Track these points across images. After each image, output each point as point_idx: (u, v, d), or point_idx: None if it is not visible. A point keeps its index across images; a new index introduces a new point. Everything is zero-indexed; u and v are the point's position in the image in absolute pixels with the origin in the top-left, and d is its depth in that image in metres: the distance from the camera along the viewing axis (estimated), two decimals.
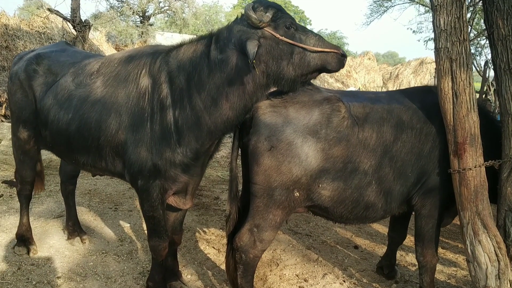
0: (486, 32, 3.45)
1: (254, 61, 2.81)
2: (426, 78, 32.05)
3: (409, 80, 32.63)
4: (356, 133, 3.13)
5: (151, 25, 27.50)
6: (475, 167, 3.13)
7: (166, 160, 3.16)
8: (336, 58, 3.02)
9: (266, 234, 3.22)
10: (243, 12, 2.96)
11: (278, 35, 2.89)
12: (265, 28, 2.89)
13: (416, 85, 30.22)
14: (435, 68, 21.82)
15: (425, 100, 3.39)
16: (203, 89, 3.07)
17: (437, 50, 3.20)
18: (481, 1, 4.39)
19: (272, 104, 3.16)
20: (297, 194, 3.13)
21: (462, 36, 3.09)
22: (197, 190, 3.79)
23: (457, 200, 3.25)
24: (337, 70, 3.10)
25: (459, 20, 3.09)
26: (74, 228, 4.72)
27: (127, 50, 3.78)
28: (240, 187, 3.51)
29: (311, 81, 3.29)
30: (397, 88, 32.00)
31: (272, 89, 3.19)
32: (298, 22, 3.06)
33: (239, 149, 3.36)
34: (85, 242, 4.63)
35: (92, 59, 3.73)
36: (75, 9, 9.80)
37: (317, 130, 3.08)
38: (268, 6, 2.91)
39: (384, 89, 32.29)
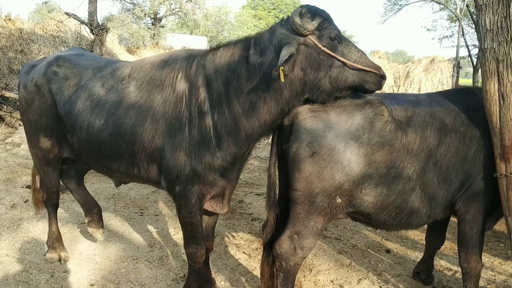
0: None
1: (282, 68, 2.74)
2: (437, 76, 31.73)
3: (420, 78, 32.31)
4: (400, 138, 3.04)
5: (162, 27, 27.57)
6: None
7: (205, 164, 3.12)
8: (375, 78, 2.98)
9: (307, 241, 3.15)
10: (289, 14, 2.91)
11: (320, 45, 2.85)
12: (308, 36, 2.85)
13: (427, 83, 29.98)
14: (453, 67, 21.58)
15: (467, 102, 3.29)
16: (241, 93, 3.03)
17: (482, 51, 3.11)
18: None
19: (312, 109, 3.09)
20: (339, 200, 3.06)
21: (509, 36, 2.98)
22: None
23: (504, 205, 3.15)
24: (373, 91, 3.06)
25: (505, 20, 2.98)
26: (100, 217, 4.42)
27: (158, 54, 3.72)
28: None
29: None
30: (409, 86, 31.71)
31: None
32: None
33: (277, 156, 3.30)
34: (105, 232, 4.50)
35: (119, 64, 3.68)
36: (92, 12, 9.80)
37: (359, 134, 3.00)
38: (316, 14, 2.87)
39: (395, 88, 31.99)
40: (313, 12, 2.87)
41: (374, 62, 3.01)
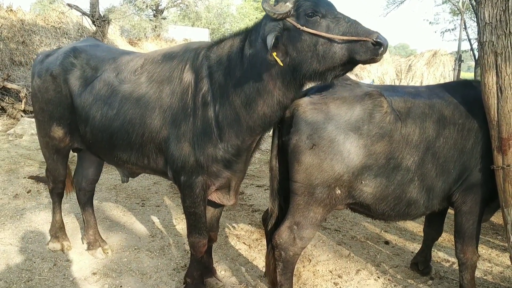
0: None
1: (274, 53, 2.63)
2: (440, 70, 31.65)
3: (422, 71, 32.26)
4: (399, 129, 3.08)
5: (164, 19, 27.48)
6: None
7: (208, 155, 3.15)
8: (365, 47, 2.61)
9: (307, 232, 3.20)
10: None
11: (298, 25, 2.68)
12: (287, 19, 2.72)
13: (429, 77, 29.91)
14: (455, 60, 21.53)
15: (466, 94, 3.32)
16: (238, 85, 3.02)
17: (481, 44, 3.13)
18: None
19: (312, 101, 3.12)
20: (338, 191, 3.10)
21: (508, 29, 3.01)
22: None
23: (501, 197, 3.19)
24: (367, 61, 2.69)
25: (504, 13, 3.01)
26: (96, 238, 4.43)
27: (172, 46, 3.77)
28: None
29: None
30: (411, 80, 31.66)
31: (309, 85, 3.13)
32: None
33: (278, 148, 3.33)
34: (107, 253, 4.34)
35: (133, 55, 3.71)
36: (94, 4, 9.80)
37: (359, 126, 3.04)
38: None
39: (397, 81, 31.94)
40: None
41: (370, 29, 2.66)
